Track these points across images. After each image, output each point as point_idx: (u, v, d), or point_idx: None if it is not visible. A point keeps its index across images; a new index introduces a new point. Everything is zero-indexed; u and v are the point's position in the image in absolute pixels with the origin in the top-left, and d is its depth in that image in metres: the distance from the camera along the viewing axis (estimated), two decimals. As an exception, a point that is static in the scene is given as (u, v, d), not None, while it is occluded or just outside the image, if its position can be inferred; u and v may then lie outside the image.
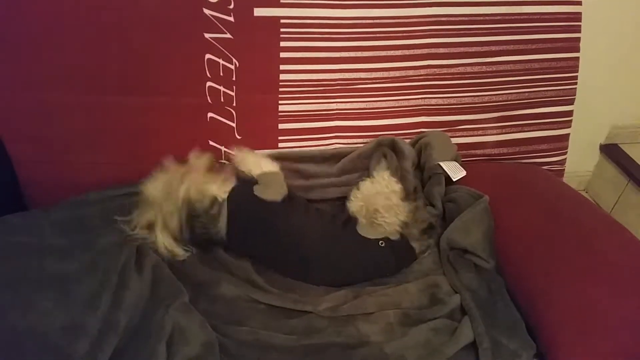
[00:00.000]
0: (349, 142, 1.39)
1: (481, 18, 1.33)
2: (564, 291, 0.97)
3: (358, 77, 1.32)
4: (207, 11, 1.18)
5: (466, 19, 1.33)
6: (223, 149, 1.29)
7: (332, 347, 0.93)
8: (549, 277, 1.01)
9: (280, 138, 1.33)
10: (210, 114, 1.26)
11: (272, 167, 1.18)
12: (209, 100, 1.25)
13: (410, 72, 1.34)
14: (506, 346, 0.93)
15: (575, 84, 1.44)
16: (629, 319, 0.90)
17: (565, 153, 1.51)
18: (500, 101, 1.41)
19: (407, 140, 1.40)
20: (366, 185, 1.17)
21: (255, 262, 1.11)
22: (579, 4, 1.38)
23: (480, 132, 1.44)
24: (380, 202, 1.11)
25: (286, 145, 1.35)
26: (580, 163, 2.00)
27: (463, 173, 1.29)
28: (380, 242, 1.10)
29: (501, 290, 1.06)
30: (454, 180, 1.28)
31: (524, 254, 1.09)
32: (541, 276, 1.02)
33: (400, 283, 1.08)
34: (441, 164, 1.30)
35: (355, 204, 1.14)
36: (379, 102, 1.36)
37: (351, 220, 1.15)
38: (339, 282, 1.09)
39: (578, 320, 0.92)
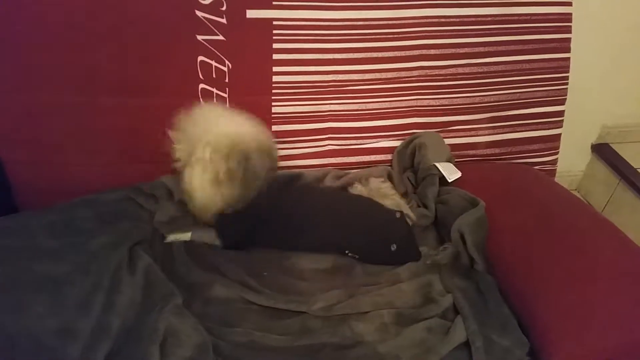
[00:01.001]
0: (342, 143, 1.40)
1: (472, 19, 1.34)
2: (556, 289, 0.97)
3: (350, 78, 1.33)
4: (199, 13, 1.18)
5: (457, 20, 1.34)
6: (216, 150, 1.29)
7: (326, 347, 0.93)
8: (541, 275, 1.01)
9: (273, 140, 1.33)
10: (203, 116, 1.26)
11: None
12: (202, 102, 1.24)
13: (403, 74, 1.35)
14: (499, 344, 0.93)
15: (567, 84, 1.45)
16: (621, 317, 0.91)
17: (557, 153, 1.52)
18: (492, 102, 1.42)
19: (400, 141, 1.42)
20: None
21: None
22: (570, 5, 1.39)
23: (472, 132, 1.45)
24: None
25: (279, 147, 1.35)
26: (572, 163, 2.01)
27: (458, 174, 1.30)
28: (397, 212, 1.13)
29: (492, 290, 1.06)
30: (450, 181, 1.29)
31: (516, 253, 1.09)
32: (533, 275, 1.03)
33: (394, 283, 1.08)
34: (437, 164, 1.31)
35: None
36: (371, 104, 1.37)
37: None
38: (347, 241, 1.12)
39: (570, 317, 0.93)
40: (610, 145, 1.98)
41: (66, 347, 0.85)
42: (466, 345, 0.94)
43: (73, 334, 0.87)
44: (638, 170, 1.86)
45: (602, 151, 1.97)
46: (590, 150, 2.02)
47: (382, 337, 0.95)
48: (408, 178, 1.36)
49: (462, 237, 1.13)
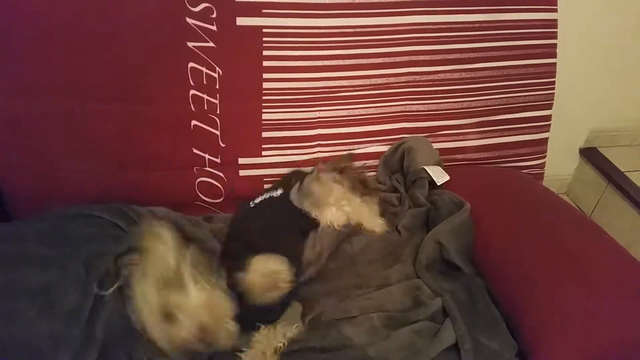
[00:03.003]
0: (332, 149, 1.41)
1: (460, 25, 1.36)
2: (543, 292, 0.99)
3: (340, 85, 1.34)
4: (189, 20, 1.19)
5: (445, 26, 1.35)
6: (207, 156, 1.30)
7: (315, 351, 0.93)
8: (528, 278, 1.03)
9: (263, 146, 1.34)
10: (194, 122, 1.26)
11: None
12: (193, 108, 1.25)
13: (392, 80, 1.36)
14: (488, 346, 0.95)
15: (553, 89, 1.47)
16: (607, 318, 0.92)
17: (544, 157, 1.54)
18: (480, 107, 1.44)
19: (389, 146, 1.43)
20: None
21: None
22: (555, 11, 1.41)
23: (460, 137, 1.46)
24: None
25: (270, 154, 1.36)
26: (561, 166, 2.03)
27: (447, 178, 1.32)
28: None
29: (482, 293, 1.07)
30: (438, 184, 1.31)
31: (504, 256, 1.10)
32: (521, 277, 1.04)
33: (383, 286, 1.09)
34: (426, 168, 1.32)
35: None
36: (360, 110, 1.38)
37: None
38: None
39: (556, 319, 0.94)
40: (599, 149, 2.00)
41: (57, 353, 0.86)
42: (455, 347, 0.96)
43: (63, 341, 0.88)
44: (626, 173, 1.88)
45: (591, 155, 1.99)
46: (578, 154, 2.04)
47: (371, 340, 0.96)
48: (397, 180, 1.38)
49: (439, 243, 1.15)
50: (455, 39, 1.37)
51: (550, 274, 1.01)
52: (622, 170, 1.89)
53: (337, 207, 1.20)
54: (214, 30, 1.21)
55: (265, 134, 1.33)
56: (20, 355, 0.85)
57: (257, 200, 1.21)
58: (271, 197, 1.21)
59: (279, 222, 1.15)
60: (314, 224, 1.19)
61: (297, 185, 1.22)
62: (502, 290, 1.06)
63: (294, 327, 0.99)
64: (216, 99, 1.26)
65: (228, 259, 1.02)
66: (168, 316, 0.85)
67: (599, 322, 0.92)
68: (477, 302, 1.04)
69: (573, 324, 0.93)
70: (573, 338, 0.92)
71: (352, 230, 1.23)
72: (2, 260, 0.98)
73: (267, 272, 0.93)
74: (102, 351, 0.90)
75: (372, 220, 1.25)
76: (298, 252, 1.12)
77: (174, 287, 0.87)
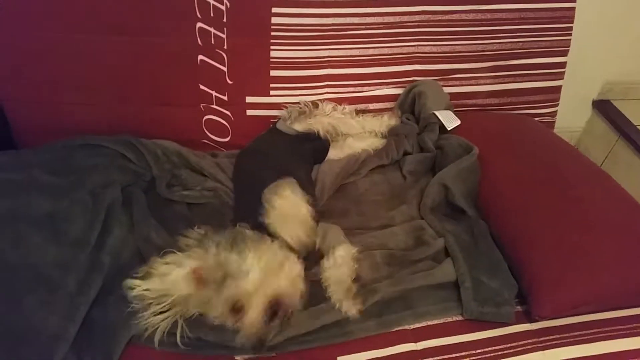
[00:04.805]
0: (341, 90, 1.38)
1: (478, -36, 1.31)
2: (547, 235, 0.99)
3: (351, 22, 1.30)
4: (196, -51, 1.15)
5: (463, -36, 1.30)
6: (214, 93, 1.28)
7: (316, 284, 0.94)
8: (533, 222, 1.03)
9: (272, 85, 1.32)
10: (200, 57, 1.24)
11: None
12: (200, 42, 1.22)
13: (405, 18, 1.32)
14: (488, 285, 0.95)
15: (570, 35, 1.43)
16: (607, 262, 0.93)
17: (557, 105, 1.52)
18: (494, 50, 1.41)
19: (400, 89, 1.41)
20: None
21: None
22: (578, -47, 1.35)
23: (472, 81, 1.43)
24: None
25: (278, 93, 1.34)
26: (572, 118, 1.99)
27: (457, 122, 1.30)
28: None
29: (484, 235, 1.07)
30: (448, 129, 1.29)
31: (509, 201, 1.10)
32: (525, 221, 1.04)
33: (387, 226, 1.10)
34: (436, 113, 1.31)
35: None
36: (371, 49, 1.35)
37: None
38: None
39: (559, 262, 0.94)
40: (611, 101, 1.96)
41: (64, 277, 0.88)
42: (455, 286, 0.97)
43: (70, 266, 0.90)
44: (638, 127, 1.84)
45: (603, 107, 1.95)
46: (591, 107, 2.00)
47: (372, 275, 0.97)
48: (407, 118, 1.37)
49: (445, 186, 1.15)
50: (472, -24, 1.32)
51: (555, 218, 1.01)
52: (635, 123, 1.85)
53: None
54: (222, -40, 1.17)
55: (273, 73, 1.31)
56: (28, 279, 0.87)
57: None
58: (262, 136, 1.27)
59: (281, 154, 1.19)
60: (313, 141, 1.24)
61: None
62: (505, 233, 1.06)
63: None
64: (223, 33, 1.23)
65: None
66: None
67: (600, 266, 0.93)
68: (479, 244, 1.05)
69: (574, 265, 0.93)
70: (573, 281, 0.92)
71: (355, 169, 1.24)
72: (9, 186, 0.99)
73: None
74: (107, 277, 0.91)
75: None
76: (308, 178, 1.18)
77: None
